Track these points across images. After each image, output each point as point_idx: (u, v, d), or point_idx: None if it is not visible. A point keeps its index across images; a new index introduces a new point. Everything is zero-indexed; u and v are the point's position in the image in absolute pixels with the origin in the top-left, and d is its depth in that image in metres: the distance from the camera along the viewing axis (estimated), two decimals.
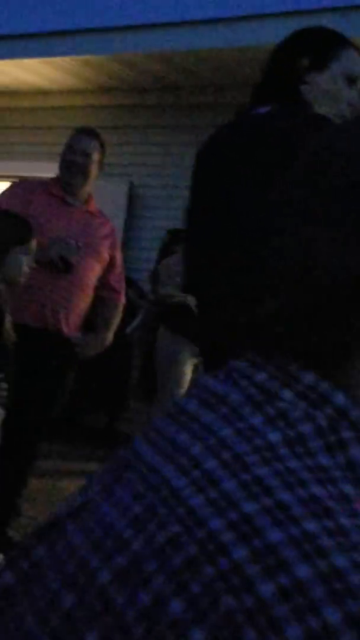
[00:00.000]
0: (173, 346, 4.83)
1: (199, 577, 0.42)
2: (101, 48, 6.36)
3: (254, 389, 0.51)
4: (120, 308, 3.85)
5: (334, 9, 5.32)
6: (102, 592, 0.45)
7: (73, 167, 3.50)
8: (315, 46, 1.99)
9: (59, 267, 3.35)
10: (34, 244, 2.80)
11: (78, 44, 6.44)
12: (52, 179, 3.67)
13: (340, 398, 0.50)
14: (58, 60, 6.55)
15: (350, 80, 1.97)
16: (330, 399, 0.50)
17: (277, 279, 0.53)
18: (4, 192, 3.61)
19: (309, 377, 0.51)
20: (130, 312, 6.09)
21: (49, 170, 4.18)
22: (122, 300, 3.86)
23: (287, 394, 0.50)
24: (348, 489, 0.46)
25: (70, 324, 3.54)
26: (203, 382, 0.55)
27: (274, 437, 0.48)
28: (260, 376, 0.52)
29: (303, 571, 0.41)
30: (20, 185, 3.61)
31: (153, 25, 6.19)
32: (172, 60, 6.26)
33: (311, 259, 0.51)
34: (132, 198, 7.11)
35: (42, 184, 3.66)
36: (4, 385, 2.61)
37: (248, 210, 1.71)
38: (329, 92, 1.95)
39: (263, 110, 1.92)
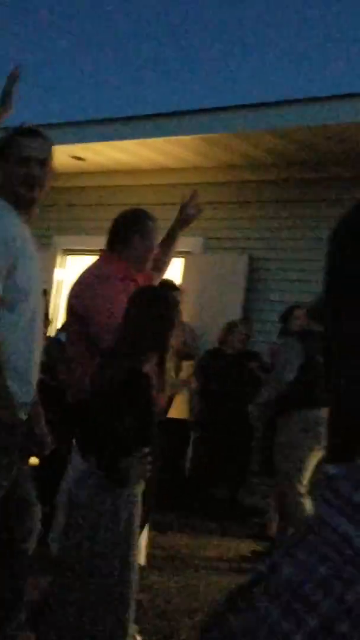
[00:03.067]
0: (297, 433, 4.75)
1: None
2: (224, 126, 6.54)
3: None
4: None
5: None
6: None
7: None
8: None
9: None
10: None
11: (202, 123, 6.65)
12: (122, 266, 3.42)
13: None
14: (185, 138, 6.78)
15: None
16: None
17: None
18: (112, 289, 3.29)
19: None
20: (253, 384, 6.08)
21: None
22: None
23: None
24: None
25: None
26: None
27: None
28: None
29: None
30: (119, 278, 3.37)
31: (275, 103, 6.33)
32: (291, 136, 6.36)
33: None
34: (252, 271, 7.17)
35: (119, 270, 3.42)
36: (149, 459, 2.68)
37: None
38: None
39: None
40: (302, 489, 4.75)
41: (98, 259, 3.58)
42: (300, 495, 4.74)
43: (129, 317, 2.82)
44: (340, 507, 0.51)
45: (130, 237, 3.47)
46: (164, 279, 4.28)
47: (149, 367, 2.71)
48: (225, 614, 0.53)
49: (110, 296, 3.22)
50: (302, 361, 4.84)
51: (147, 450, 2.70)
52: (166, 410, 5.74)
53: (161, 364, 2.73)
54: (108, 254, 3.52)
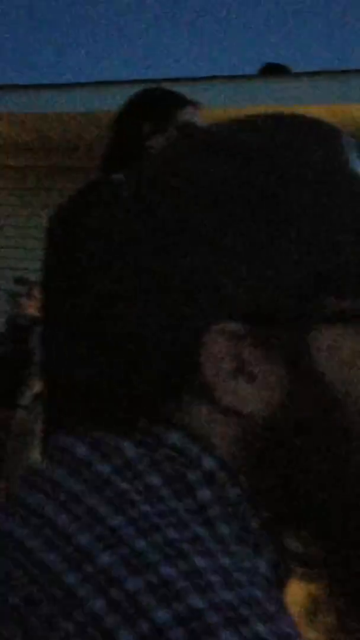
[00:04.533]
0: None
1: (58, 633, 0.41)
2: None
3: (99, 440, 0.50)
4: None
5: (178, 79, 5.54)
6: None
7: None
8: (155, 109, 2.01)
9: None
10: None
11: None
12: None
13: (174, 438, 0.49)
14: None
15: None
16: (166, 442, 0.49)
17: (92, 344, 0.52)
18: None
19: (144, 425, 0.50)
20: None
21: None
22: None
23: (128, 444, 0.49)
24: (199, 530, 0.46)
25: None
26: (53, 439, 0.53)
27: (124, 486, 0.47)
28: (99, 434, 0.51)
29: (162, 616, 0.40)
30: None
31: (3, 87, 6.23)
32: (20, 122, 6.27)
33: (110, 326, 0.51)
34: None
35: None
36: None
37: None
38: None
39: (115, 178, 1.92)
40: None
41: None
42: None
43: None
44: (15, 512, 0.50)
45: None
46: None
47: None
48: None
49: None
50: None
51: None
52: None
53: None
54: None
